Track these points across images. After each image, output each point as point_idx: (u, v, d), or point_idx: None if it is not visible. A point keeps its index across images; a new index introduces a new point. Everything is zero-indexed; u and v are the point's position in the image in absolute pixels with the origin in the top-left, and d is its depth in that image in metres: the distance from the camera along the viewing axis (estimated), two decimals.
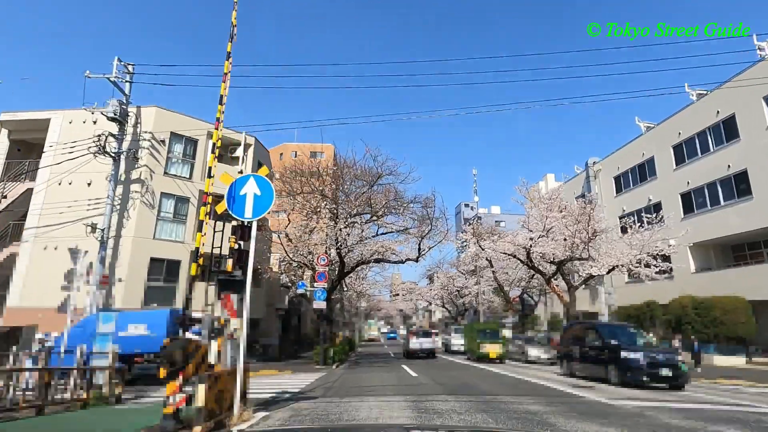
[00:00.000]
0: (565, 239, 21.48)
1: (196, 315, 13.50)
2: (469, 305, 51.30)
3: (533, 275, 31.33)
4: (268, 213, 23.13)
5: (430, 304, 73.42)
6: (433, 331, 45.04)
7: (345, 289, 40.92)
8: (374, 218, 20.27)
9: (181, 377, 5.15)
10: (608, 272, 21.75)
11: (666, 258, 23.13)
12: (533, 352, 18.21)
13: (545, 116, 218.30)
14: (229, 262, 7.18)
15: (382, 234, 21.22)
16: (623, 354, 9.68)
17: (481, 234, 23.05)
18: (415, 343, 23.70)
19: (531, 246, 21.70)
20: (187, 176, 18.39)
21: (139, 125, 17.40)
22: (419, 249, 19.84)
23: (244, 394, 6.31)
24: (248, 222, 6.77)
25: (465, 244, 27.66)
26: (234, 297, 6.75)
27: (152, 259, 16.79)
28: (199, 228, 7.18)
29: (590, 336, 11.10)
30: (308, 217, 17.23)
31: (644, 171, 29.57)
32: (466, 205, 71.85)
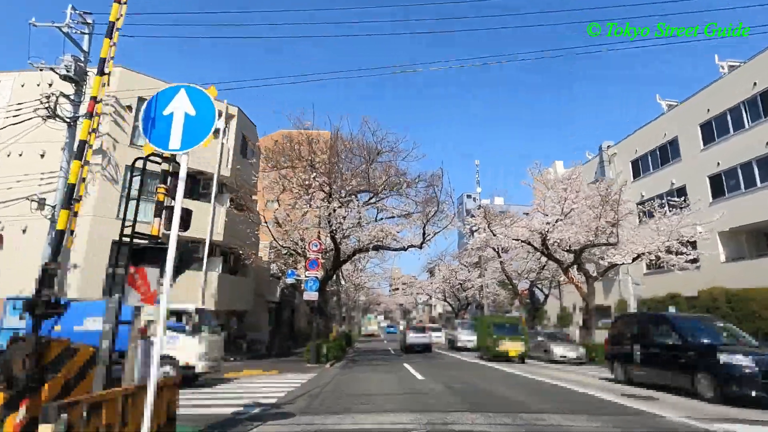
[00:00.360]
0: (578, 224, 19.27)
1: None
2: (472, 299, 49.22)
3: (543, 266, 29.16)
4: (257, 194, 20.70)
5: (431, 297, 71.42)
6: (432, 326, 43.18)
7: (342, 281, 38.69)
8: (373, 198, 18.04)
9: (24, 407, 2.88)
10: (633, 260, 19.55)
11: (692, 246, 20.92)
12: (558, 350, 15.92)
13: (549, 107, 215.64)
14: (155, 222, 4.91)
15: (382, 219, 18.98)
16: (723, 358, 7.07)
17: (492, 218, 20.71)
18: (412, 338, 25.06)
19: (548, 231, 19.45)
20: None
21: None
22: (423, 233, 17.58)
23: (169, 420, 4.05)
24: (177, 159, 4.51)
25: (475, 228, 25.35)
26: (152, 273, 4.48)
27: (116, 243, 14.47)
28: (78, 155, 4.85)
29: (660, 331, 8.57)
30: (297, 194, 14.93)
31: (666, 153, 27.27)
32: (468, 196, 69.47)
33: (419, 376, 12.04)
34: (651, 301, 26.08)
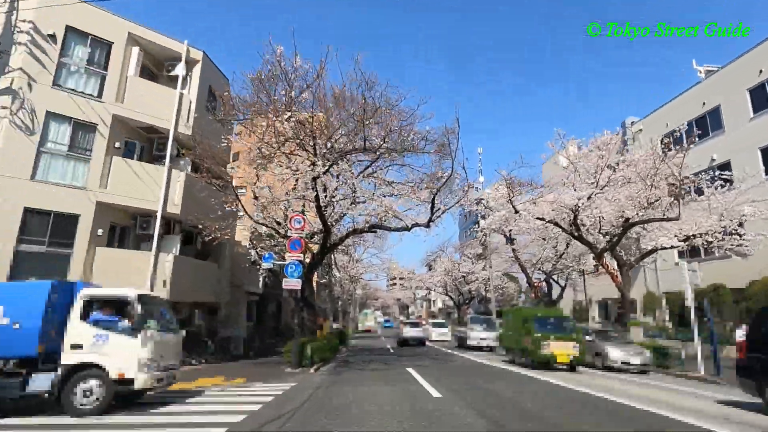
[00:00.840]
0: (621, 198, 15.93)
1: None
2: (475, 292, 46.05)
3: (561, 254, 25.94)
4: (230, 162, 17.10)
5: (430, 291, 68.24)
6: (436, 321, 39.89)
7: (336, 272, 35.36)
8: (369, 167, 14.68)
9: None
10: (685, 241, 16.25)
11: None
12: (617, 354, 12.27)
13: (555, 94, 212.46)
14: None
15: (384, 195, 15.54)
16: None
17: (517, 188, 17.11)
18: (407, 332, 26.14)
19: (579, 208, 16.09)
20: (95, 94, 12.50)
21: (15, 13, 11.49)
22: (432, 206, 14.20)
23: None
24: None
25: (487, 206, 21.95)
26: None
27: (29, 211, 10.97)
28: None
29: None
30: (271, 152, 11.42)
31: (705, 125, 23.91)
32: (470, 186, 66.01)
33: (434, 392, 8.66)
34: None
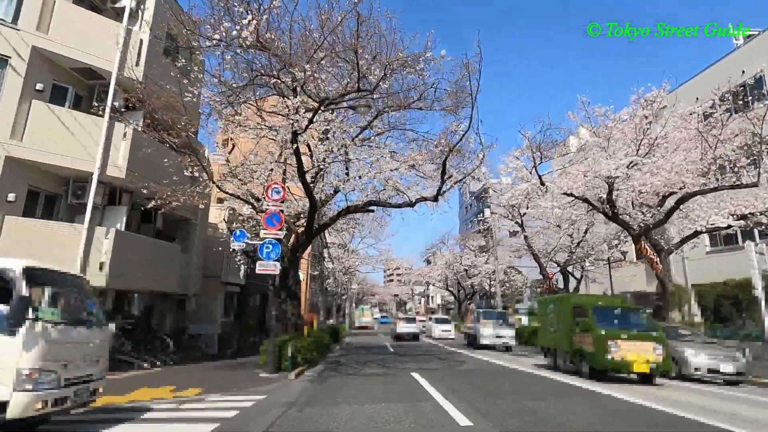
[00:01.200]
0: (669, 166, 13.23)
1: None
2: (478, 287, 43.53)
3: (579, 242, 23.34)
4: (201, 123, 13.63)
5: (428, 287, 65.64)
6: (439, 317, 37.31)
7: (329, 263, 32.57)
8: (364, 130, 12.00)
9: None
10: (743, 219, 13.61)
11: None
12: (700, 359, 9.22)
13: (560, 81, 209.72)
14: None
15: (379, 154, 12.82)
16: None
17: (546, 152, 14.05)
18: (402, 327, 26.33)
19: (617, 179, 13.40)
20: (7, 19, 9.64)
21: None
22: (443, 172, 11.45)
23: None
24: None
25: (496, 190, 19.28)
26: None
27: None
28: None
29: None
30: (230, 89, 8.59)
31: (745, 95, 21.30)
32: (472, 177, 63.33)
33: (458, 416, 5.89)
34: (724, 285, 20.35)
